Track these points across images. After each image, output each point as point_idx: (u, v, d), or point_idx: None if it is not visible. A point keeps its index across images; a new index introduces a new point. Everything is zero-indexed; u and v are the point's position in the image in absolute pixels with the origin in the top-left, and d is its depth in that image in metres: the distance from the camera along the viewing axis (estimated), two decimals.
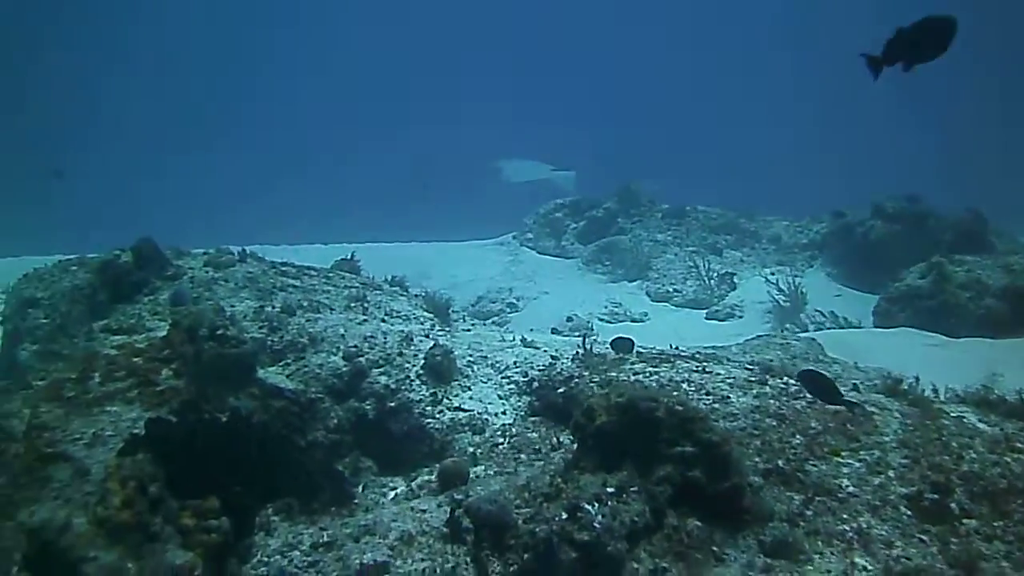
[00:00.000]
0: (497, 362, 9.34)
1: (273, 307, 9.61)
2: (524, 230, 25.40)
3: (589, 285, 21.84)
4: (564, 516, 5.77)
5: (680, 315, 20.32)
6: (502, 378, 9.15)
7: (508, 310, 19.87)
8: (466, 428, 8.54)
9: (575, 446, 6.58)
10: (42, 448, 6.31)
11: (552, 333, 18.18)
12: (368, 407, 8.66)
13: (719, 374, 8.52)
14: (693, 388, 8.15)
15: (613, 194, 24.91)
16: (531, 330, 12.65)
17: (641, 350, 9.47)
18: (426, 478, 7.89)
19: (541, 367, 9.10)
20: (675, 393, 7.48)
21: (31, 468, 6.13)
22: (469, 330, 10.94)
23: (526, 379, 9.04)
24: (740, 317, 20.09)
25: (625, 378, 8.50)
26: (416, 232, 27.46)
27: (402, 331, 9.69)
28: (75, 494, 5.87)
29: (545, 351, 9.57)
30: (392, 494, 7.96)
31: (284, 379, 8.68)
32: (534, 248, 24.70)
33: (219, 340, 8.40)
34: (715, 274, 21.50)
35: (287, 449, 7.22)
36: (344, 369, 8.82)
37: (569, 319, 19.36)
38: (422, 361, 9.05)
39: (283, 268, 11.36)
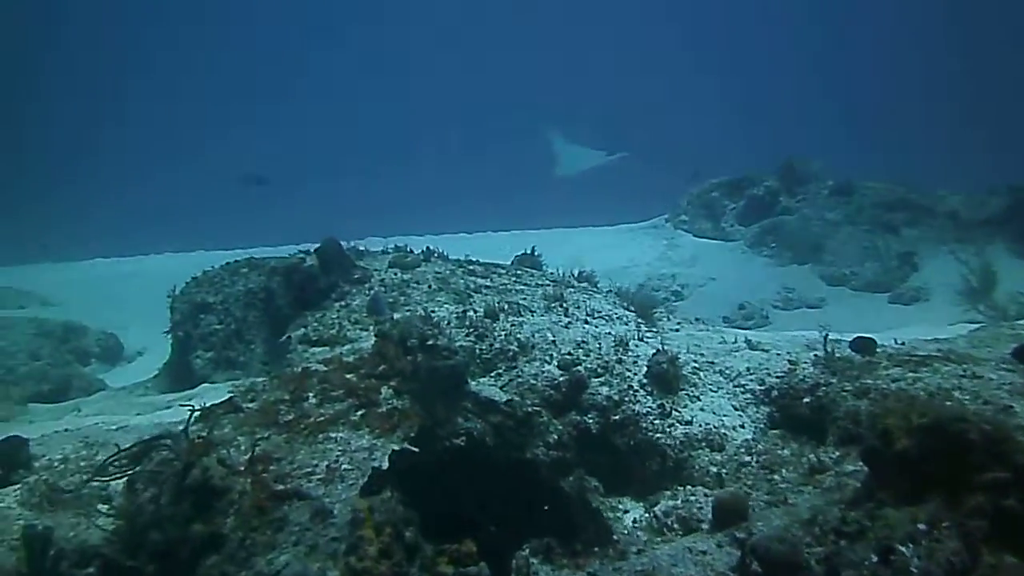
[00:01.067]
0: (727, 368, 8.50)
1: (475, 311, 8.93)
2: (677, 212, 24.37)
3: (756, 269, 20.72)
4: (875, 559, 4.92)
5: (861, 300, 19.06)
6: (735, 386, 8.30)
7: (673, 298, 18.93)
8: (703, 444, 7.74)
9: (867, 472, 5.68)
10: (271, 484, 5.74)
11: (724, 322, 17.24)
12: (591, 421, 7.93)
13: (991, 379, 7.50)
14: (968, 397, 7.18)
15: (773, 171, 23.61)
16: (695, 319, 11.73)
17: (888, 350, 8.49)
18: (670, 503, 7.11)
19: (779, 373, 8.22)
20: (973, 409, 6.51)
21: (262, 508, 5.56)
22: (678, 330, 10.10)
23: (763, 387, 8.16)
24: (926, 300, 18.73)
25: (884, 386, 7.56)
26: (541, 219, 26.63)
27: (613, 334, 8.92)
28: (319, 539, 5.27)
29: (778, 354, 8.66)
30: (629, 520, 7.23)
31: (497, 391, 7.99)
32: (690, 231, 23.65)
33: (430, 351, 7.79)
34: (894, 254, 20.12)
35: (536, 478, 6.52)
36: (561, 379, 8.10)
37: (741, 307, 18.37)
38: (644, 369, 8.27)
39: (470, 267, 10.72)
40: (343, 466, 5.86)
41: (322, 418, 6.56)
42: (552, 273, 11.74)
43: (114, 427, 8.89)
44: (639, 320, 10.01)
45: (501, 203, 30.05)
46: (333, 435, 6.35)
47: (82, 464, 7.75)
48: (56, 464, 7.84)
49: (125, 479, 7.08)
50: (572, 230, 25.77)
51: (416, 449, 5.92)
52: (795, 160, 23.45)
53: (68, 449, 8.20)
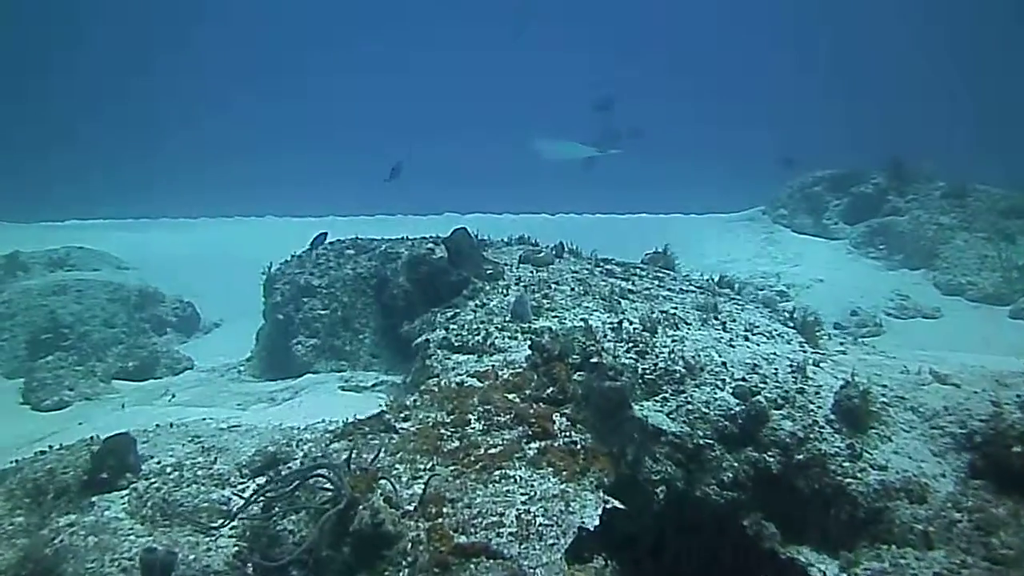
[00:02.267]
0: (920, 405, 7.52)
1: (631, 322, 8.03)
2: (776, 205, 23.26)
3: (865, 272, 19.60)
4: None
5: (979, 313, 17.89)
6: (931, 427, 7.33)
7: (779, 299, 17.87)
8: (901, 494, 6.79)
9: None
10: (451, 534, 4.89)
11: (835, 328, 16.20)
12: (771, 459, 7.01)
13: None
14: None
15: (880, 168, 22.38)
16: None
17: None
18: (876, 565, 6.20)
19: (982, 416, 7.23)
20: None
21: (444, 565, 4.72)
22: (845, 352, 9.12)
23: (964, 431, 7.19)
24: None
25: None
26: (620, 202, 25.62)
27: (784, 356, 7.99)
28: None
29: (975, 391, 7.67)
30: None
31: (664, 419, 7.10)
32: (789, 226, 22.54)
33: (595, 370, 6.93)
34: (1015, 265, 18.91)
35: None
36: (736, 409, 7.18)
37: (854, 313, 17.28)
38: (829, 401, 7.33)
39: (607, 266, 9.80)
40: (537, 519, 5.00)
41: (494, 450, 5.72)
42: (697, 278, 10.80)
43: (224, 425, 8.13)
44: (802, 339, 9.05)
45: (569, 183, 29.00)
46: (511, 473, 5.50)
47: (199, 473, 6.99)
48: (169, 470, 7.09)
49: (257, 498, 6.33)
50: (660, 217, 24.77)
51: (621, 505, 5.05)
52: (903, 157, 22.20)
53: (179, 452, 7.46)
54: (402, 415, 6.21)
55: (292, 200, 27.09)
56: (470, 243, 9.20)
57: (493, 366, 7.05)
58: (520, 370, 6.90)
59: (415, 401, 6.46)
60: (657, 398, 7.37)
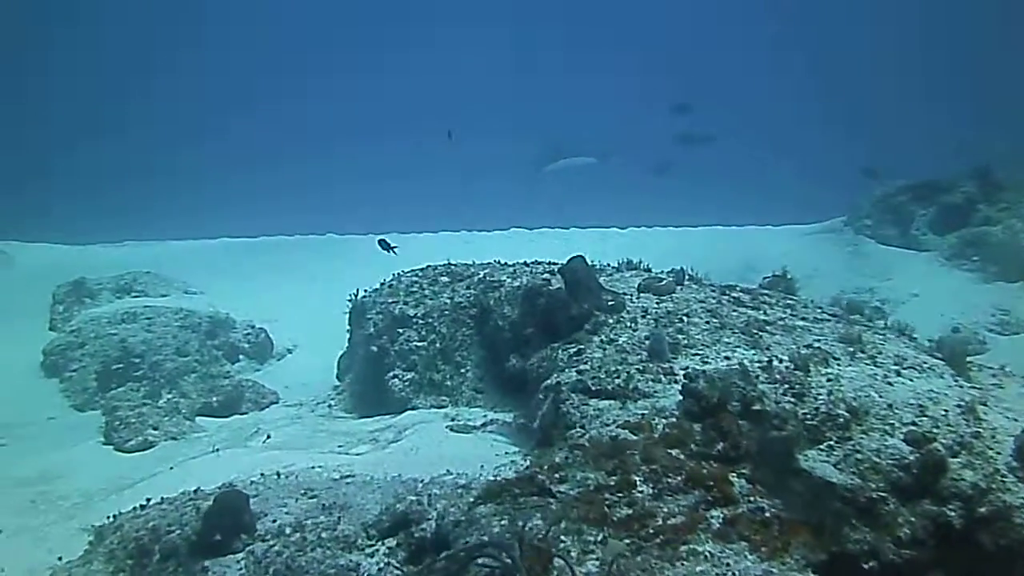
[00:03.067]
0: None
1: (779, 359, 7.35)
2: (859, 215, 22.40)
3: (960, 285, 18.70)
4: None
5: None
6: None
7: (875, 315, 17.05)
8: None
9: None
10: None
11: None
12: (952, 513, 6.31)
13: None
14: None
15: (967, 176, 21.44)
16: (1003, 368, 9.96)
17: None
18: None
19: None
20: None
21: None
22: (1001, 385, 8.38)
23: None
24: None
25: None
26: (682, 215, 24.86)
27: (949, 395, 7.29)
28: None
29: None
30: None
31: (831, 469, 6.42)
32: (874, 237, 21.69)
33: (758, 419, 6.27)
34: None
35: None
36: (910, 457, 6.49)
37: (955, 330, 16.45)
38: (1008, 446, 6.62)
39: (733, 294, 9.12)
40: None
41: (672, 519, 5.06)
42: (829, 305, 10.09)
43: (337, 476, 7.56)
44: (954, 372, 8.32)
45: (637, 193, 28.24)
46: (699, 549, 4.86)
47: (322, 535, 6.41)
48: (288, 531, 6.51)
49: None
50: (734, 229, 23.99)
51: None
52: (993, 164, 21.24)
53: (295, 508, 6.89)
54: (556, 475, 5.58)
55: (352, 218, 26.62)
56: (588, 273, 8.57)
57: (643, 415, 6.40)
58: (675, 420, 6.25)
59: (567, 458, 5.84)
60: (822, 446, 6.69)
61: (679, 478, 5.46)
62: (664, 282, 8.96)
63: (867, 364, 7.91)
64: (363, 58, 46.45)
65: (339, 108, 41.94)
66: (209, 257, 23.18)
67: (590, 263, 10.38)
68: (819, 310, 9.21)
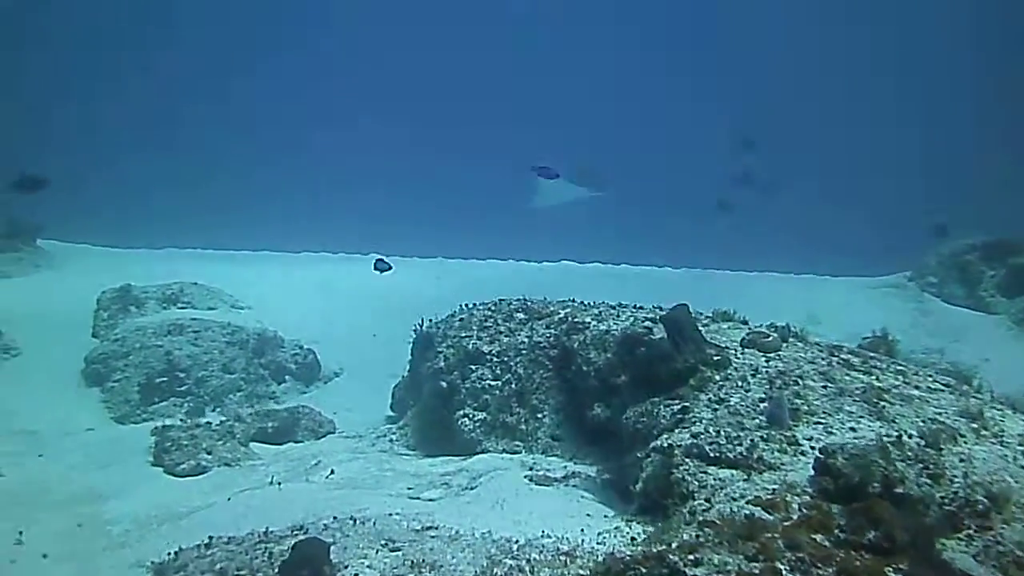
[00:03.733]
0: None
1: (909, 435, 6.78)
2: (923, 272, 21.74)
3: None
4: None
5: None
6: None
7: (983, 385, 16.34)
8: None
9: None
10: None
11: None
12: None
13: None
14: None
15: None
16: None
17: None
18: None
19: None
20: None
21: None
22: None
23: None
24: None
25: None
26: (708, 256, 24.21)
27: None
28: None
29: None
30: None
31: (971, 561, 5.84)
32: (939, 295, 21.02)
33: (899, 503, 5.69)
34: None
35: None
36: None
37: None
38: None
39: (842, 355, 8.54)
40: None
41: None
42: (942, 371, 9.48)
43: (418, 526, 7.01)
44: None
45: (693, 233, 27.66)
46: None
47: None
48: None
49: None
50: (792, 277, 23.35)
51: None
52: None
53: (377, 563, 6.36)
54: (691, 557, 5.01)
55: (398, 239, 26.16)
56: (692, 323, 8.02)
57: (774, 490, 5.83)
58: (811, 499, 5.68)
59: (698, 537, 5.27)
60: (960, 535, 6.10)
61: (830, 569, 4.88)
62: (770, 338, 8.38)
63: (994, 443, 7.32)
64: (417, 86, 46.04)
65: (390, 131, 41.56)
66: (252, 269, 22.73)
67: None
68: (930, 377, 8.61)
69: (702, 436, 6.69)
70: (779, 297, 20.58)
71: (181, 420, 10.75)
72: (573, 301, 11.10)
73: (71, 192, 20.31)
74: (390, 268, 15.49)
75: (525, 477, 8.31)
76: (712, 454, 6.50)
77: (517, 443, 9.46)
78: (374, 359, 16.58)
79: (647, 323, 8.64)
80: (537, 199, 25.29)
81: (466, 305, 11.49)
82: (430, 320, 11.85)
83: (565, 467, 8.65)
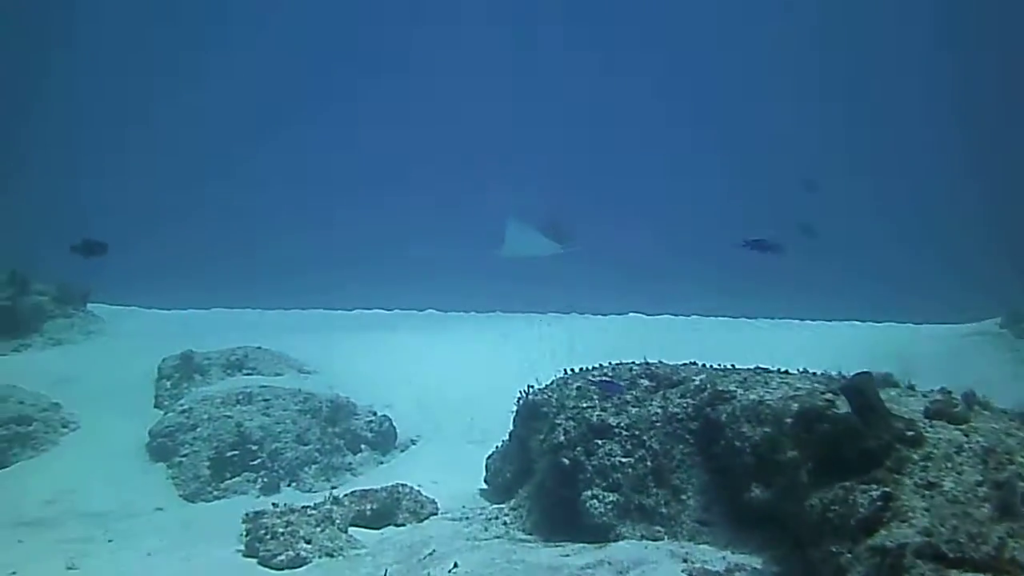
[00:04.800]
0: None
1: None
2: (1017, 317, 20.55)
3: None
4: None
5: None
6: None
7: None
8: None
9: None
10: None
11: None
12: None
13: None
14: None
15: None
16: None
17: None
18: None
19: None
20: None
21: None
22: None
23: None
24: None
25: None
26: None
27: None
28: None
29: None
30: None
31: None
32: None
33: None
34: None
35: None
36: None
37: None
38: None
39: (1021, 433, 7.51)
40: None
41: None
42: None
43: None
44: None
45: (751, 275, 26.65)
46: None
47: None
48: None
49: None
50: (869, 325, 22.26)
51: None
52: None
53: None
54: None
55: (447, 293, 25.32)
56: (878, 395, 7.05)
57: None
58: None
59: None
60: None
61: None
62: (958, 408, 7.39)
63: None
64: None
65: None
66: (307, 329, 21.90)
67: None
68: None
69: (934, 532, 5.68)
70: (865, 348, 19.50)
71: (274, 505, 9.69)
72: (700, 364, 10.15)
73: (119, 254, 19.55)
74: None
75: (683, 572, 7.33)
76: (952, 555, 5.50)
77: (658, 528, 8.47)
78: (449, 424, 15.71)
79: (828, 395, 7.65)
80: (505, 248, 24.55)
81: (579, 369, 10.54)
82: (533, 387, 10.92)
83: (724, 558, 7.65)
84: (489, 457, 11.87)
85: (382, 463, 14.24)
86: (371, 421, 14.58)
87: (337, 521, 9.48)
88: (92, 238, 15.56)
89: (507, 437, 11.70)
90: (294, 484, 13.15)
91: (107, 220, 29.60)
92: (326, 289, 25.90)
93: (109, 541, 10.79)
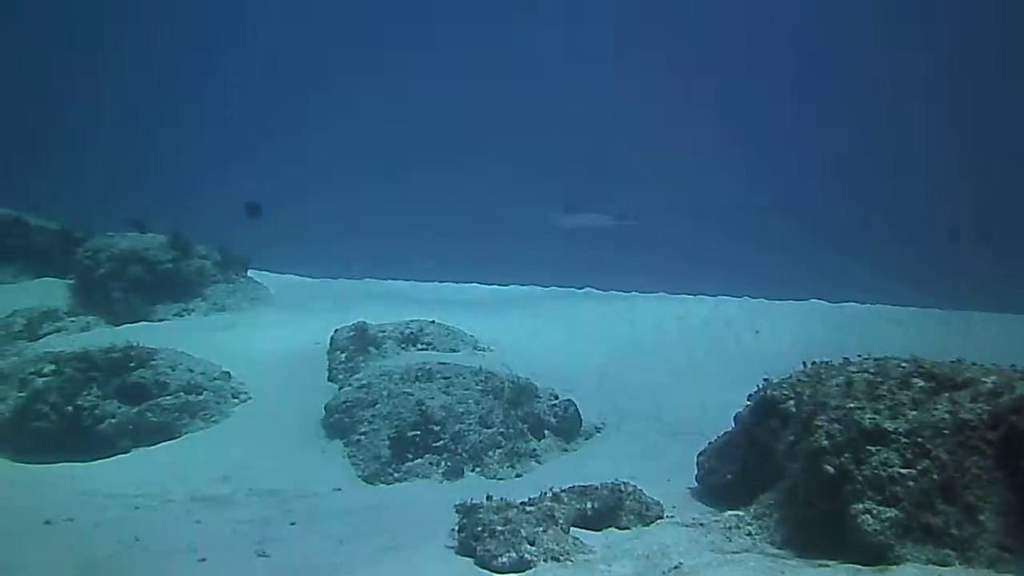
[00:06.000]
0: None
1: None
2: None
3: None
4: None
5: None
6: None
7: None
8: None
9: None
10: None
11: None
12: None
13: None
14: None
15: None
16: None
17: None
18: None
19: None
20: None
21: None
22: None
23: None
24: None
25: None
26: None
27: None
28: None
29: None
30: None
31: None
32: None
33: None
34: None
35: None
36: None
37: None
38: None
39: None
40: None
41: None
42: None
43: None
44: None
45: None
46: None
47: None
48: None
49: None
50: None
51: None
52: None
53: None
54: None
55: (605, 271, 24.23)
56: None
57: None
58: None
59: None
60: None
61: None
62: None
63: None
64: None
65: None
66: (467, 304, 21.15)
67: None
68: None
69: None
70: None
71: (488, 498, 8.79)
72: (976, 363, 8.86)
73: (276, 221, 19.10)
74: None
75: None
76: None
77: (948, 552, 7.30)
78: (633, 411, 14.65)
79: None
80: (561, 220, 24.63)
81: (823, 363, 9.36)
82: (768, 379, 9.79)
83: None
84: (701, 454, 10.78)
85: (565, 451, 13.35)
86: (554, 405, 13.67)
87: (560, 520, 8.52)
88: (252, 201, 15.10)
89: (722, 432, 10.62)
90: (478, 470, 12.35)
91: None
92: (479, 263, 25.11)
93: (291, 524, 10.12)
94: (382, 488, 11.87)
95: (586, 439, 13.77)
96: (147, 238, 18.77)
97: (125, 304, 17.43)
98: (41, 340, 15.79)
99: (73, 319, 16.71)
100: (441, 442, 12.41)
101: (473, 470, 12.37)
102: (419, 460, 12.25)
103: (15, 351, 15.21)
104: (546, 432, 13.42)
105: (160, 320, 17.71)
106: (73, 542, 9.20)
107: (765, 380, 9.84)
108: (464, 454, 12.41)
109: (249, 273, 20.26)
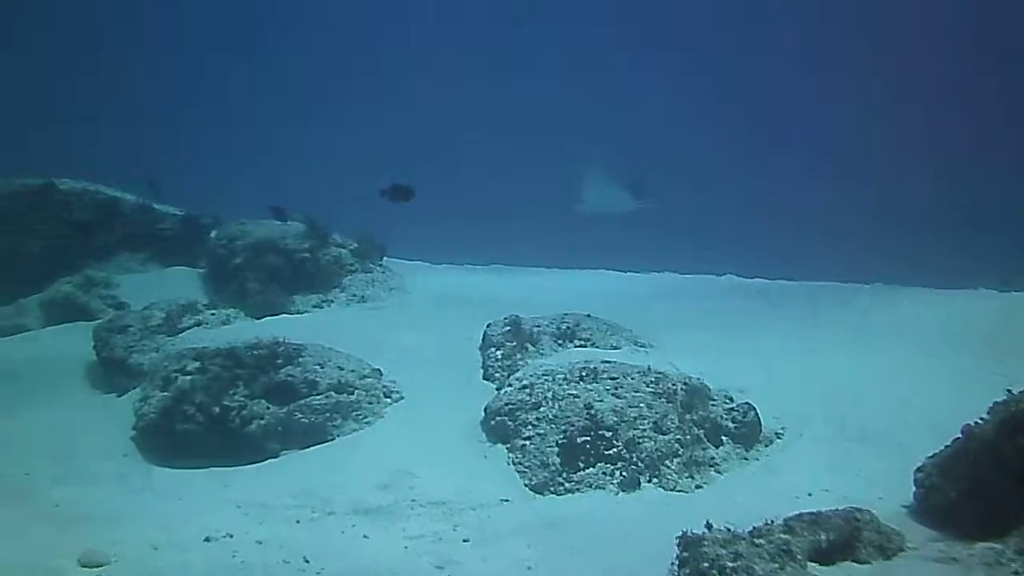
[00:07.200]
0: None
1: None
2: None
3: None
4: None
5: None
6: None
7: None
8: None
9: None
10: None
11: None
12: None
13: None
14: None
15: None
16: None
17: None
18: None
19: None
20: None
21: None
22: None
23: None
24: None
25: None
26: None
27: None
28: None
29: None
30: None
31: None
32: None
33: None
34: None
35: None
36: None
37: None
38: None
39: None
40: None
41: None
42: None
43: None
44: None
45: None
46: None
47: None
48: None
49: None
50: None
51: None
52: None
53: None
54: None
55: (747, 259, 22.90)
56: None
57: None
58: None
59: None
60: None
61: None
62: None
63: None
64: None
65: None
66: (603, 293, 20.08)
67: None
68: None
69: None
70: None
71: (708, 528, 7.74)
72: None
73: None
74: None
75: None
76: None
77: None
78: (811, 414, 13.32)
79: None
80: (583, 204, 23.83)
81: None
82: (1009, 389, 8.54)
83: None
84: (919, 470, 9.55)
85: (746, 459, 12.17)
86: (731, 409, 12.53)
87: (799, 556, 7.43)
88: (401, 183, 14.18)
89: (943, 446, 9.38)
90: (655, 480, 11.29)
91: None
92: (611, 248, 23.94)
93: (464, 541, 9.31)
94: (553, 499, 10.96)
95: (766, 446, 12.54)
96: (283, 226, 18.10)
97: (262, 296, 16.81)
98: (181, 335, 15.15)
99: (213, 312, 16.07)
100: (614, 450, 11.41)
101: (650, 481, 11.35)
102: (591, 469, 11.31)
103: (155, 346, 14.64)
104: (723, 439, 12.28)
105: (299, 312, 17.05)
106: (240, 564, 8.53)
107: (1008, 391, 8.58)
108: (640, 463, 11.39)
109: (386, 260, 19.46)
